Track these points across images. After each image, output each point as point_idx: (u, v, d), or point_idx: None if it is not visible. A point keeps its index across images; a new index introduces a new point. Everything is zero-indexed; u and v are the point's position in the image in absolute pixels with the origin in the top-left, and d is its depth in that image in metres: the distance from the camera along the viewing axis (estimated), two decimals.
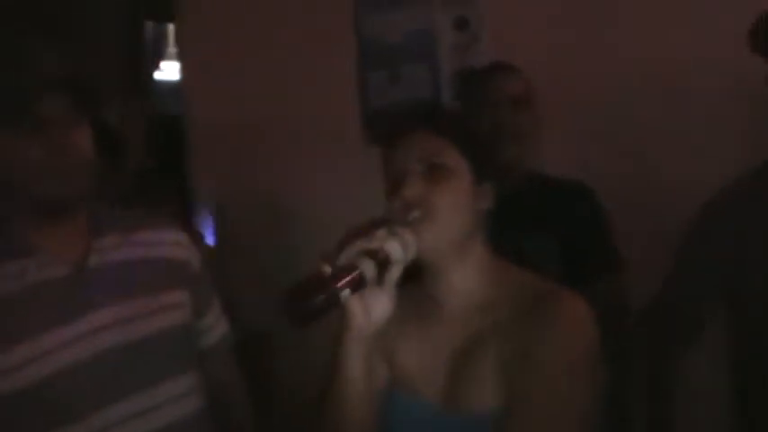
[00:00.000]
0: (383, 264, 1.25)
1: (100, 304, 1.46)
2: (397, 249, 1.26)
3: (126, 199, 2.36)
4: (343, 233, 1.27)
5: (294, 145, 3.07)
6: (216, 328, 1.69)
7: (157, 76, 5.22)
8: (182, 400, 1.52)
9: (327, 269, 1.22)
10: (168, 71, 5.16)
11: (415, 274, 1.35)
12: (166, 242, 1.62)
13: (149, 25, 4.79)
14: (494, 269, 1.40)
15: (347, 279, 1.21)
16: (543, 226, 2.10)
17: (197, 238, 2.57)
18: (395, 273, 1.27)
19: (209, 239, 3.02)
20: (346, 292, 1.20)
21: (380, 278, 1.25)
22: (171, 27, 4.77)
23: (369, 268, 1.23)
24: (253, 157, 3.13)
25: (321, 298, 1.18)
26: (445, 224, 1.33)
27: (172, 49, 4.99)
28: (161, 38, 5.21)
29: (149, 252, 1.57)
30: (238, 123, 3.11)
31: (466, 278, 1.39)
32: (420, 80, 2.95)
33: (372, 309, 1.28)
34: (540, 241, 2.07)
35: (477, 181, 1.37)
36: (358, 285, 1.22)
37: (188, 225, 2.63)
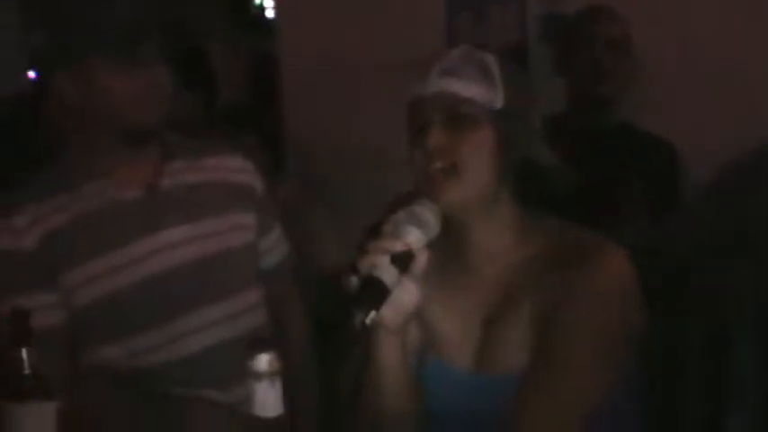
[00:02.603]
0: (405, 260, 1.21)
1: (171, 223, 1.59)
2: (418, 236, 1.23)
3: (213, 131, 2.47)
4: (363, 233, 1.27)
5: (380, 86, 3.10)
6: (276, 249, 1.79)
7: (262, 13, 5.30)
8: (248, 313, 1.64)
9: (353, 281, 1.20)
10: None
11: (443, 236, 1.30)
12: (232, 168, 1.73)
13: None
14: (523, 225, 1.35)
15: (370, 299, 1.18)
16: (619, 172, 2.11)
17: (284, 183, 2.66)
18: (420, 262, 1.24)
19: (294, 179, 3.10)
20: (372, 314, 1.17)
21: (406, 272, 1.22)
22: None
23: (390, 275, 1.19)
24: (341, 98, 3.18)
25: (349, 324, 1.17)
26: (470, 176, 1.29)
27: None
28: None
29: (217, 176, 1.69)
30: (328, 62, 3.16)
31: (494, 236, 1.35)
32: (507, 21, 2.94)
33: (402, 302, 1.25)
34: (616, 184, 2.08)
35: (504, 133, 1.31)
36: (382, 298, 1.19)
37: (274, 162, 2.72)
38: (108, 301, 1.53)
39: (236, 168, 1.74)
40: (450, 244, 1.36)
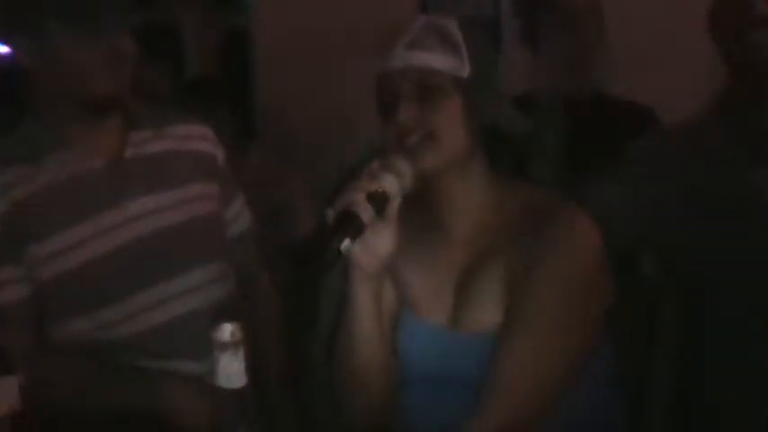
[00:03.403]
0: (380, 201, 1.25)
1: (135, 194, 1.57)
2: (393, 182, 1.27)
3: (181, 102, 2.44)
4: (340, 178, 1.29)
5: (355, 56, 3.08)
6: (239, 219, 1.77)
7: None
8: (215, 283, 1.63)
9: (329, 214, 1.25)
10: None
11: (418, 195, 1.34)
12: (195, 136, 1.71)
13: None
14: (497, 187, 1.38)
15: (345, 229, 1.23)
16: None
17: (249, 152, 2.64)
18: (394, 206, 1.28)
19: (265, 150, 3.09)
20: (347, 242, 1.22)
21: (380, 214, 1.26)
22: None
23: (366, 211, 1.24)
24: (314, 67, 3.17)
25: (323, 253, 1.23)
26: (444, 144, 1.32)
27: None
28: None
29: (180, 145, 1.67)
30: (300, 33, 3.14)
31: (468, 197, 1.38)
32: None
33: (376, 246, 1.30)
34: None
35: (473, 100, 1.34)
36: (357, 232, 1.23)
37: (244, 134, 2.70)
38: (75, 274, 1.51)
39: (198, 137, 1.71)
40: (425, 204, 1.39)
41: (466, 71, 1.33)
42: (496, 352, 1.27)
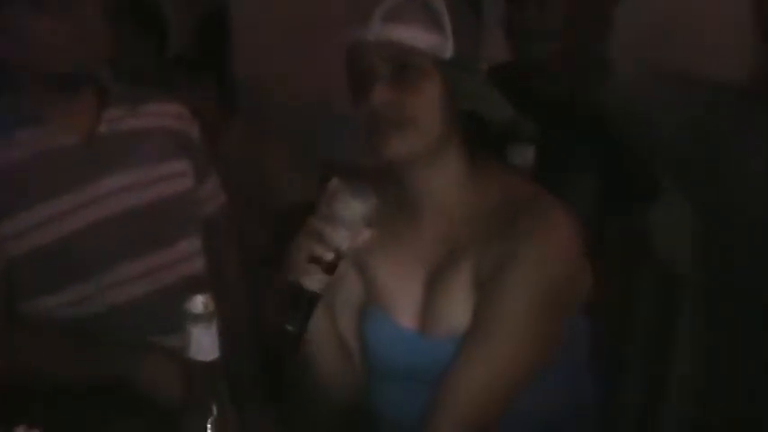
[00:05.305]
0: (333, 264, 1.18)
1: (109, 171, 1.55)
2: (344, 238, 1.19)
3: (161, 80, 2.41)
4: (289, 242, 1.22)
5: (332, 35, 3.06)
6: (213, 198, 1.76)
7: None
8: (188, 261, 1.63)
9: (285, 291, 1.19)
10: None
11: (389, 183, 1.28)
12: (169, 114, 1.69)
13: None
14: (471, 178, 1.29)
15: (300, 307, 1.18)
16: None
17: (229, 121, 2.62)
18: (360, 242, 1.22)
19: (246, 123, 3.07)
20: (299, 323, 1.18)
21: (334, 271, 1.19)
22: None
23: (317, 283, 1.18)
24: (293, 44, 3.15)
25: (281, 335, 1.19)
26: (418, 130, 1.23)
27: None
28: None
29: (155, 122, 1.66)
30: (280, 11, 3.12)
31: (443, 187, 1.29)
32: None
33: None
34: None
35: (454, 83, 1.24)
36: (312, 305, 1.18)
37: (227, 107, 2.68)
38: (45, 251, 1.50)
39: (173, 115, 1.70)
40: (398, 191, 1.31)
41: (449, 51, 1.22)
42: (454, 359, 1.21)
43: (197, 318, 0.99)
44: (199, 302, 0.99)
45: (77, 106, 1.56)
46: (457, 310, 1.25)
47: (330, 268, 1.18)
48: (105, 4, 1.53)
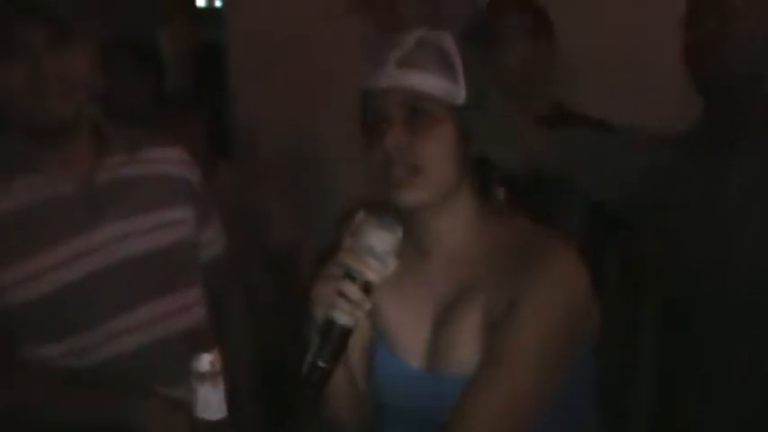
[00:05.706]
0: (364, 297, 1.19)
1: (108, 219, 1.53)
2: (373, 269, 1.19)
3: (155, 120, 2.41)
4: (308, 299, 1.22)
5: (329, 77, 3.07)
6: (214, 243, 1.75)
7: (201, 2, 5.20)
8: (190, 310, 1.60)
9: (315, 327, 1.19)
10: None
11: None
12: (169, 159, 1.67)
13: None
14: (484, 219, 1.30)
15: (326, 350, 1.17)
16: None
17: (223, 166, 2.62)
18: (388, 272, 1.22)
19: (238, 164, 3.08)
20: (330, 359, 1.18)
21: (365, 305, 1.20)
22: None
23: (348, 317, 1.18)
24: (288, 87, 3.15)
25: (311, 372, 1.18)
26: (431, 177, 1.24)
27: None
28: None
29: (155, 169, 1.63)
30: (276, 49, 3.13)
31: (453, 229, 1.30)
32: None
33: None
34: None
35: (467, 129, 1.25)
36: (343, 340, 1.18)
37: (217, 150, 2.68)
38: (44, 301, 1.47)
39: (173, 161, 1.68)
40: (409, 232, 1.30)
41: (461, 97, 1.23)
42: (470, 387, 1.21)
43: (204, 376, 0.99)
44: (206, 361, 0.98)
45: (74, 152, 1.54)
46: (464, 349, 1.26)
47: (360, 301, 1.18)
48: (94, 48, 1.51)
